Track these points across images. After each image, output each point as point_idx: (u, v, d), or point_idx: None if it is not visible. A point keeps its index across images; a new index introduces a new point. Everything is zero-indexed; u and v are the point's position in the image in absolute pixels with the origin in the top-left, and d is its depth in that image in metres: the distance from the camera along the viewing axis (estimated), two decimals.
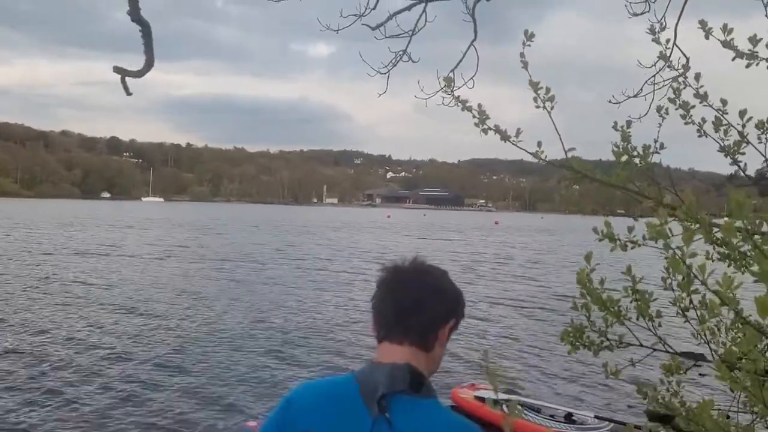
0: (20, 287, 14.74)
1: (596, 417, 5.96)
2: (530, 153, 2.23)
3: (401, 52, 5.16)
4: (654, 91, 3.66)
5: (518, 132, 2.21)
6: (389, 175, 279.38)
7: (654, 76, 3.78)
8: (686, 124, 2.45)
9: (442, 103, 5.34)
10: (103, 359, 8.81)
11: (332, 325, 11.62)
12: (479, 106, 2.23)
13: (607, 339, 1.68)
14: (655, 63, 3.99)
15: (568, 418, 6.03)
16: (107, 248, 25.90)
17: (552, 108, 2.30)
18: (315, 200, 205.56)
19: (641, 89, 3.75)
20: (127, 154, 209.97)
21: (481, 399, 6.74)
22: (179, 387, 7.72)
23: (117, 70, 4.34)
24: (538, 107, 2.24)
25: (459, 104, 2.29)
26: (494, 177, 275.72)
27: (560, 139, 2.35)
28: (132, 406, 6.98)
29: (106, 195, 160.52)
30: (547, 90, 2.25)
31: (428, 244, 37.90)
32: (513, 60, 2.36)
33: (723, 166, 2.47)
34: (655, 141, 2.44)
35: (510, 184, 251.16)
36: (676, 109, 2.50)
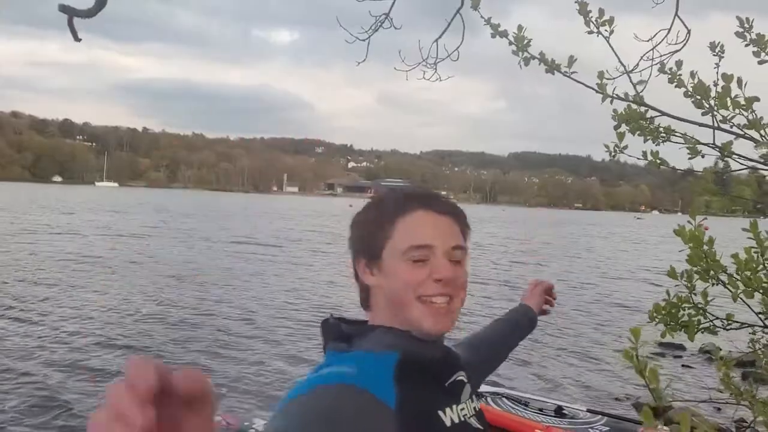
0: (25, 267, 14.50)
1: (589, 410, 5.63)
2: (589, 86, 1.79)
3: (383, 16, 4.67)
4: (652, 66, 3.35)
5: (571, 61, 1.76)
6: (351, 165, 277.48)
7: (651, 50, 3.46)
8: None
9: (423, 77, 4.83)
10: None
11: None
12: (519, 28, 1.77)
13: (707, 317, 1.26)
14: (653, 37, 3.66)
15: (559, 412, 5.68)
16: (100, 230, 25.90)
17: (611, 33, 1.87)
18: (275, 189, 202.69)
19: (637, 65, 3.43)
20: (81, 137, 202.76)
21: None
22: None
23: (63, 9, 3.66)
24: (590, 32, 1.80)
25: (489, 25, 1.83)
26: (456, 169, 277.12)
27: (624, 67, 1.94)
28: None
29: (58, 179, 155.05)
30: (601, 12, 1.81)
31: None
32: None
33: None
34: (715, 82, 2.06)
35: (471, 176, 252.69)
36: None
